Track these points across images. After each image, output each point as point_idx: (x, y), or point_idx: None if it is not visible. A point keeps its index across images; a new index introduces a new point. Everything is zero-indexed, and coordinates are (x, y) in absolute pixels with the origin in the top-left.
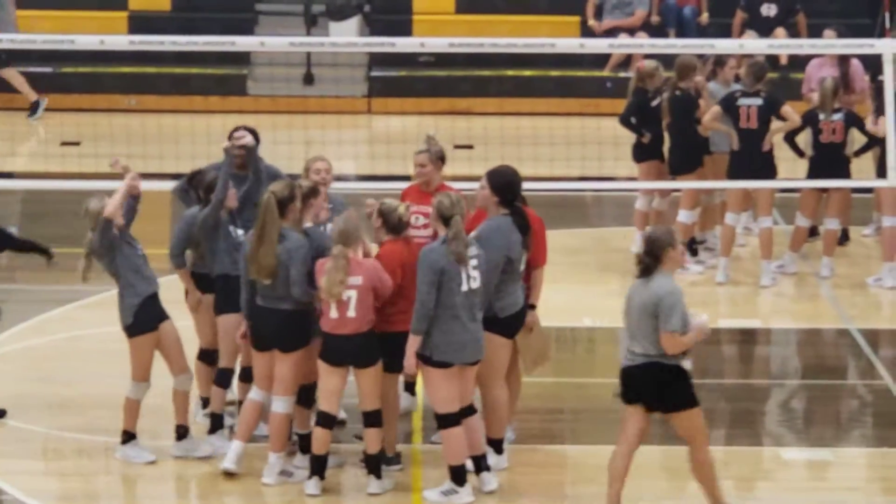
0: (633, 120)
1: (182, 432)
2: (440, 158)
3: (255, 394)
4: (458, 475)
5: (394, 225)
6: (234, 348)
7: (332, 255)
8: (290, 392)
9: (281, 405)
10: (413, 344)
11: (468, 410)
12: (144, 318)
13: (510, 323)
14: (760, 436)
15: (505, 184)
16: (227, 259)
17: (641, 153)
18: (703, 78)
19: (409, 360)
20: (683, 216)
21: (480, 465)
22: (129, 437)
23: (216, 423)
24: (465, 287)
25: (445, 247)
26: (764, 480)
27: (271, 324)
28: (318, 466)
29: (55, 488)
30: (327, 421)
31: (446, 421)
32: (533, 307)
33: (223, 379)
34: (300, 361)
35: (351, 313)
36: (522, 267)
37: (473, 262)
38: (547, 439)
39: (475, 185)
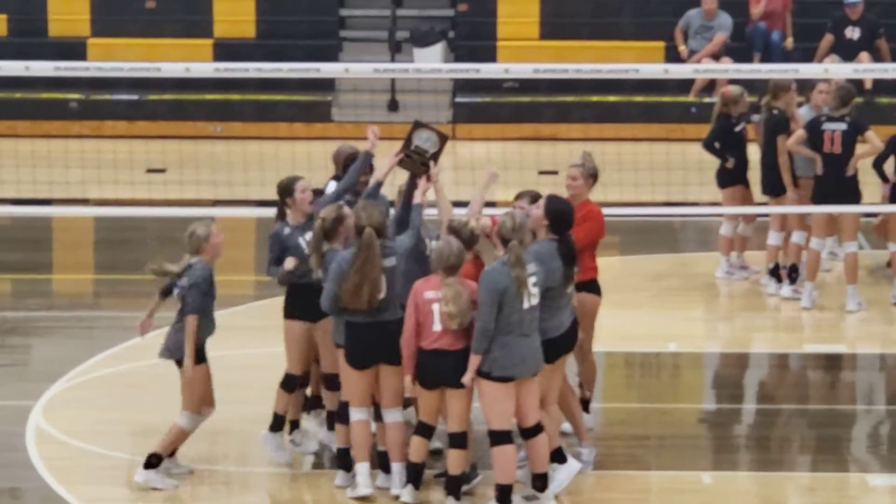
0: (716, 145)
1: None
2: (592, 175)
3: (361, 414)
4: (504, 496)
5: (466, 240)
6: (301, 355)
7: (448, 283)
8: (402, 402)
9: (397, 416)
10: (475, 362)
11: (538, 429)
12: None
13: (553, 345)
14: (846, 462)
15: (559, 211)
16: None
17: (725, 179)
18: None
19: (469, 377)
20: (797, 237)
21: (544, 482)
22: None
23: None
24: (526, 304)
25: (507, 268)
26: None
27: (377, 338)
28: (415, 475)
29: None
30: (426, 430)
31: (499, 438)
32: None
33: (290, 384)
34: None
35: (455, 326)
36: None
37: (533, 278)
38: (632, 465)
39: None
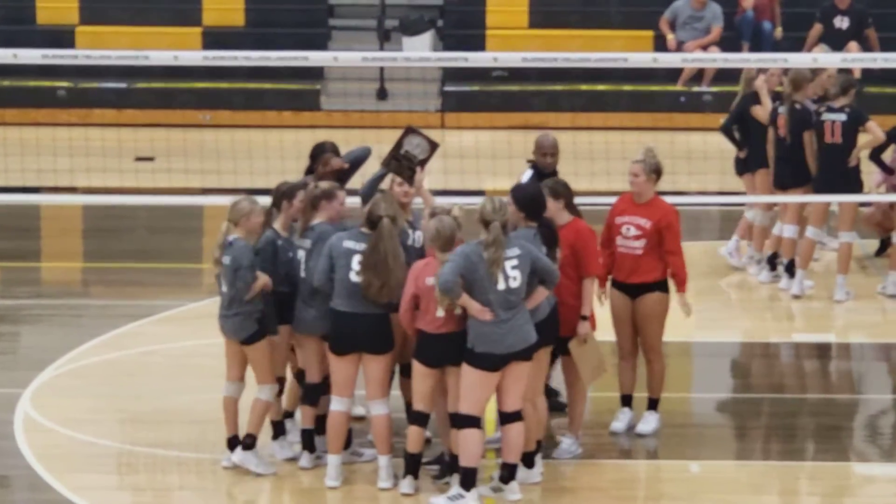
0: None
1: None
2: (654, 171)
3: (339, 404)
4: (467, 478)
5: None
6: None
7: (444, 260)
8: (387, 393)
9: (382, 408)
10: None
11: (516, 416)
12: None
13: None
14: (843, 451)
15: (527, 198)
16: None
17: (748, 164)
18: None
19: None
20: (789, 231)
21: (512, 473)
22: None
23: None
24: (501, 286)
25: (481, 248)
26: (850, 496)
27: (361, 328)
28: (413, 465)
29: (128, 503)
30: (421, 419)
31: (466, 421)
32: (585, 318)
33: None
34: (391, 362)
35: (458, 310)
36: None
37: (513, 262)
38: (620, 455)
39: None
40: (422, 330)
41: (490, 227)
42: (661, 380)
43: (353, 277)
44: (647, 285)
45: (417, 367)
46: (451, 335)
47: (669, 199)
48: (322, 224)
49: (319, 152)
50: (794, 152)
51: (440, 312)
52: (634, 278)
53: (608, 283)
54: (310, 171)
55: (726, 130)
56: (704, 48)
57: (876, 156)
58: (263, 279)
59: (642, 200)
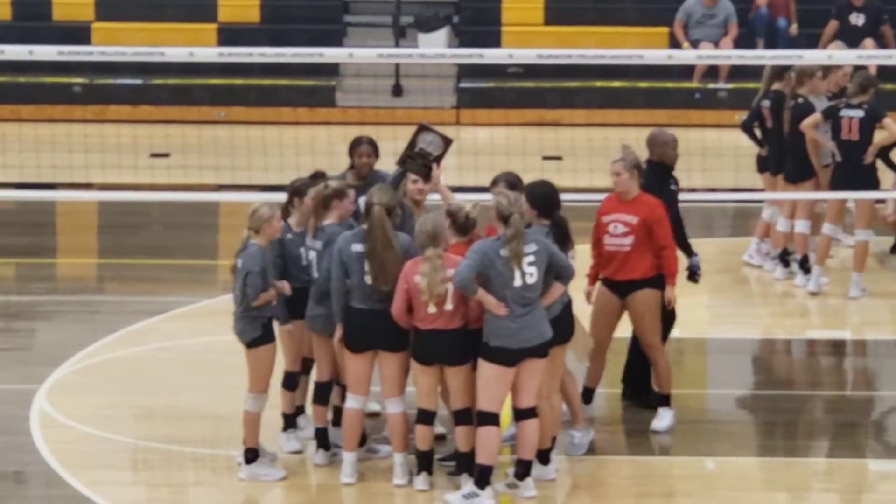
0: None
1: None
2: (636, 167)
3: (354, 402)
4: (483, 476)
5: (462, 224)
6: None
7: (426, 256)
8: (402, 391)
9: (397, 406)
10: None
11: (531, 413)
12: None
13: None
14: (858, 448)
15: (541, 196)
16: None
17: (767, 164)
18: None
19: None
20: (802, 226)
21: (526, 469)
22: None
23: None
24: (518, 282)
25: (500, 243)
26: (865, 493)
27: (377, 325)
28: (426, 462)
29: (144, 499)
30: (427, 417)
31: (486, 419)
32: None
33: (291, 383)
34: (407, 360)
35: (448, 306)
36: None
37: (530, 258)
38: (634, 451)
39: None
40: (415, 327)
41: (510, 220)
42: (667, 375)
43: (368, 280)
44: (636, 282)
45: (415, 365)
46: (444, 332)
47: (684, 196)
48: (332, 225)
49: (356, 145)
50: (793, 146)
51: (431, 308)
52: (622, 275)
53: (597, 282)
54: (352, 167)
55: (746, 128)
56: (715, 44)
57: (884, 154)
58: (272, 293)
59: (629, 198)
